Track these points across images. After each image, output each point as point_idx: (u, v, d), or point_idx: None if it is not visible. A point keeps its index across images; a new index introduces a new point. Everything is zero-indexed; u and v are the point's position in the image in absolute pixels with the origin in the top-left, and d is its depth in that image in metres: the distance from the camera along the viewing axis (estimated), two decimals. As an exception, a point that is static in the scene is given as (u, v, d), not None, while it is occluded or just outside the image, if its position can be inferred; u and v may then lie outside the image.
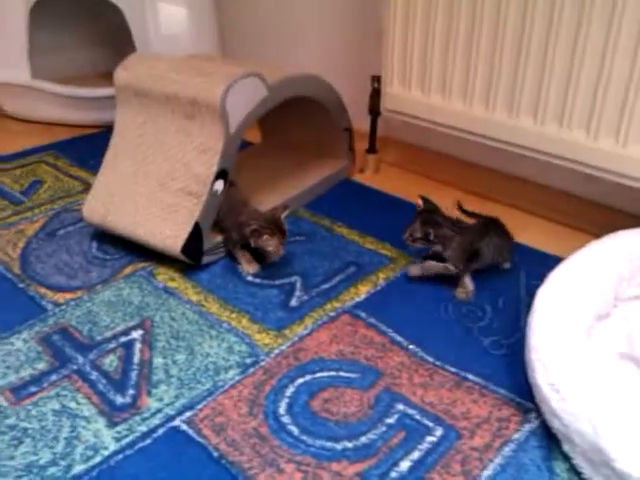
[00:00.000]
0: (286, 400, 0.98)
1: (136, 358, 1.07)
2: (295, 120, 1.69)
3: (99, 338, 1.11)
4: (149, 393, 1.00)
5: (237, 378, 1.03)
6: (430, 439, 0.92)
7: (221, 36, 2.12)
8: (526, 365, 0.98)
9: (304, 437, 0.92)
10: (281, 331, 1.13)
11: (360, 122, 1.74)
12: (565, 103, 1.28)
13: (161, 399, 0.98)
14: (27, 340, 1.11)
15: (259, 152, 1.80)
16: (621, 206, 1.41)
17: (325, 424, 0.94)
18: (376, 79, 1.63)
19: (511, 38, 1.31)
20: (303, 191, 1.58)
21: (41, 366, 1.05)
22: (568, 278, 1.07)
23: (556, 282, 1.07)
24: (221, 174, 1.27)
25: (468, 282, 1.23)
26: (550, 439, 0.91)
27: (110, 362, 1.06)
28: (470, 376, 1.03)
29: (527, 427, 0.94)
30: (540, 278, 1.09)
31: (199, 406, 0.97)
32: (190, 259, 1.28)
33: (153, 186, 1.31)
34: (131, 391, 1.00)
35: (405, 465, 0.87)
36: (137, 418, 0.95)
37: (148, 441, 0.91)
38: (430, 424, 0.94)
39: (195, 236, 1.26)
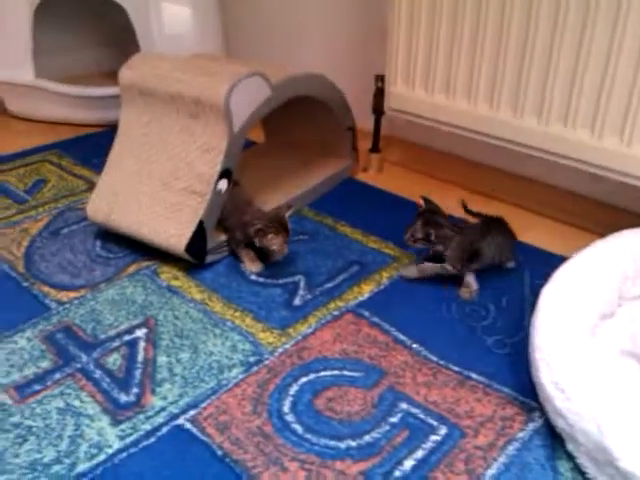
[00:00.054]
0: (290, 399, 0.98)
1: (140, 357, 1.07)
2: (299, 119, 1.69)
3: (103, 337, 1.12)
4: (153, 391, 1.00)
5: (241, 377, 1.03)
6: (434, 438, 0.92)
7: (225, 36, 2.12)
8: (530, 364, 0.98)
9: (308, 436, 0.92)
10: (285, 330, 1.13)
11: (364, 121, 1.74)
12: (570, 102, 1.27)
13: (165, 397, 0.98)
14: (31, 338, 1.11)
15: (263, 151, 1.80)
16: (625, 205, 1.41)
17: (329, 423, 0.94)
18: (380, 78, 1.63)
19: (516, 36, 1.31)
20: (307, 190, 1.58)
21: (45, 364, 1.05)
22: (572, 277, 1.07)
23: (560, 281, 1.06)
24: (225, 173, 1.27)
25: (472, 281, 1.23)
26: (554, 438, 0.91)
27: (114, 360, 1.06)
28: (474, 375, 1.03)
29: (531, 426, 0.93)
30: (544, 277, 1.09)
31: (203, 405, 0.97)
32: (194, 258, 1.28)
33: (157, 185, 1.31)
34: (135, 389, 1.00)
35: (409, 464, 0.87)
36: (141, 416, 0.95)
37: (152, 439, 0.91)
38: (434, 423, 0.94)
39: (199, 235, 1.26)
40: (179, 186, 1.29)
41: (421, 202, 1.25)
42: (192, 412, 0.96)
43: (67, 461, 0.88)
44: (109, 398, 0.98)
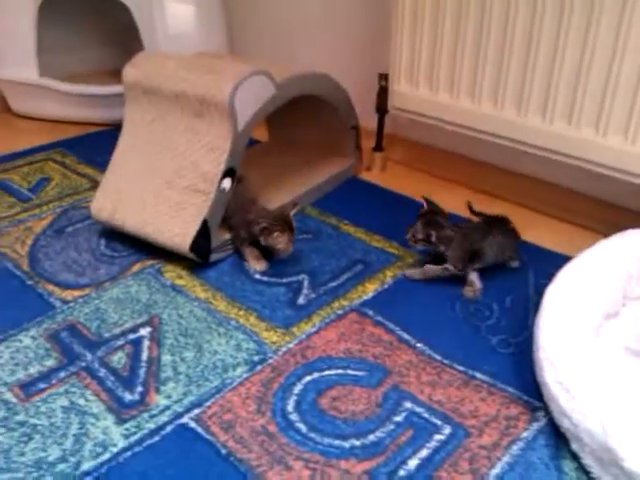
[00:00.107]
0: (294, 398, 0.98)
1: (144, 355, 1.07)
2: (302, 118, 1.69)
3: (107, 335, 1.12)
4: (157, 390, 1.00)
5: (245, 375, 1.03)
6: (438, 437, 0.92)
7: (229, 34, 2.12)
8: (534, 364, 0.98)
9: (312, 435, 0.92)
10: (289, 329, 1.13)
11: (367, 120, 1.74)
12: (574, 101, 1.27)
13: (169, 396, 0.99)
14: (36, 337, 1.11)
15: (266, 150, 1.80)
16: (630, 204, 1.41)
17: (333, 422, 0.94)
18: (383, 77, 1.63)
19: (520, 35, 1.30)
20: (310, 189, 1.58)
21: (50, 363, 1.05)
22: (577, 277, 1.07)
23: (565, 281, 1.06)
24: (229, 172, 1.27)
25: (476, 280, 1.23)
26: (558, 438, 0.91)
27: (118, 359, 1.06)
28: (478, 374, 1.03)
29: (535, 426, 0.93)
30: (548, 277, 1.09)
31: (207, 403, 0.97)
32: (198, 257, 1.28)
33: (161, 184, 1.31)
34: (139, 388, 1.00)
35: (413, 463, 0.87)
36: (145, 415, 0.95)
37: (156, 438, 0.91)
38: (438, 422, 0.94)
39: (203, 234, 1.26)
40: (183, 185, 1.29)
41: (424, 204, 1.26)
42: (196, 411, 0.96)
43: (72, 460, 0.88)
44: (114, 397, 0.98)
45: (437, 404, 0.97)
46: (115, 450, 0.89)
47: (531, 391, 0.99)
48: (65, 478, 0.85)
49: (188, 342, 1.10)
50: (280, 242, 1.27)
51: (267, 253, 1.32)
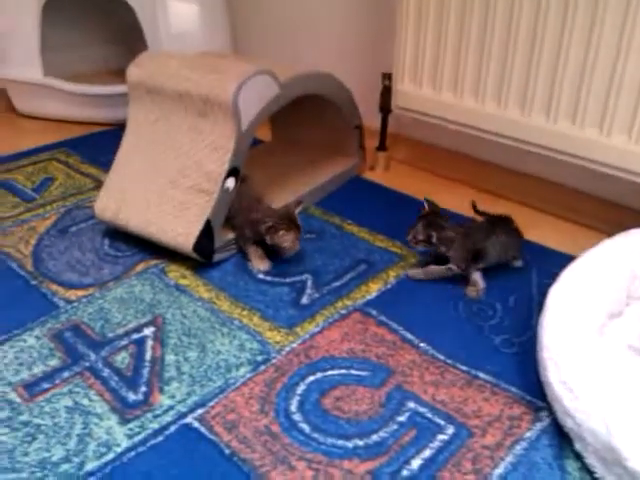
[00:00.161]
0: (297, 398, 0.98)
1: (148, 355, 1.07)
2: (306, 118, 1.69)
3: (111, 335, 1.12)
4: (161, 390, 1.00)
5: (248, 375, 1.03)
6: (441, 437, 0.92)
7: (233, 34, 2.12)
8: (538, 363, 0.98)
9: (315, 435, 0.92)
10: (292, 329, 1.13)
11: (371, 119, 1.74)
12: (578, 100, 1.27)
13: (173, 396, 0.99)
14: (39, 337, 1.11)
15: (270, 149, 1.80)
16: (634, 204, 1.41)
17: (336, 422, 0.94)
18: (387, 76, 1.63)
19: (524, 34, 1.30)
20: (314, 188, 1.58)
21: (53, 363, 1.06)
22: (580, 276, 1.07)
23: (568, 280, 1.06)
24: (232, 172, 1.27)
25: (479, 280, 1.23)
26: (562, 437, 0.91)
27: (122, 359, 1.06)
28: (481, 374, 1.03)
29: (538, 425, 0.93)
30: (552, 277, 1.09)
31: (211, 403, 0.97)
32: (201, 257, 1.28)
33: (165, 183, 1.31)
34: (143, 388, 1.00)
35: (416, 463, 0.87)
36: (149, 415, 0.95)
37: (160, 438, 0.91)
38: (441, 422, 0.94)
39: (206, 233, 1.26)
40: (187, 184, 1.29)
41: (425, 205, 1.26)
42: (200, 411, 0.96)
43: (76, 460, 0.88)
44: (117, 397, 0.99)
45: (440, 404, 0.97)
46: (119, 450, 0.90)
47: (534, 391, 0.99)
48: (69, 478, 0.85)
49: (192, 342, 1.10)
50: (286, 240, 1.27)
51: (271, 253, 1.32)
